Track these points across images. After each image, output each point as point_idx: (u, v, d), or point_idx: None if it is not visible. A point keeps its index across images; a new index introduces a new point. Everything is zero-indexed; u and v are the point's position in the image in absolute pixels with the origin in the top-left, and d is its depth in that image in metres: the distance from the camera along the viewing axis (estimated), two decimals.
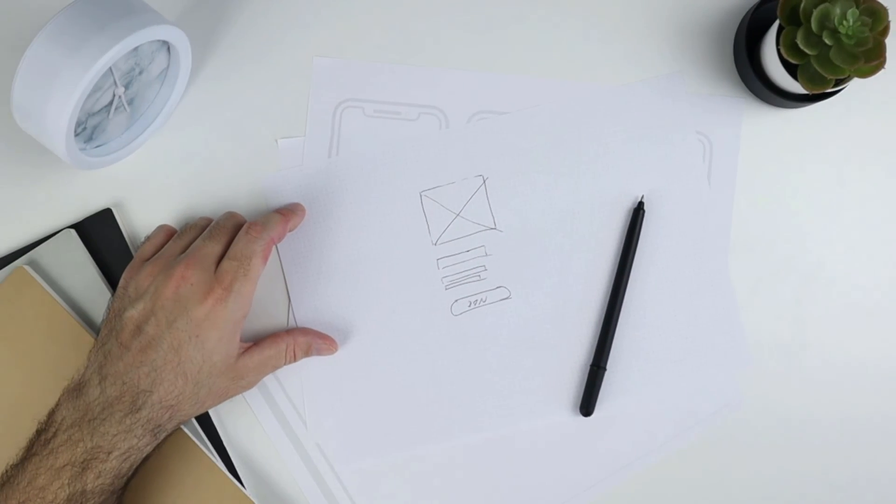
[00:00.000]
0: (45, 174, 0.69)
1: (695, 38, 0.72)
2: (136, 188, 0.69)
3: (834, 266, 0.71)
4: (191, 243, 0.65)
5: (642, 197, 0.70)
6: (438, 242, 0.70)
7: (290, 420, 0.68)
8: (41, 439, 0.59)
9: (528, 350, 0.69)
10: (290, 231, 0.67)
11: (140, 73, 0.64)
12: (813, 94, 0.67)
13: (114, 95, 0.63)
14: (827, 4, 0.62)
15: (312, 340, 0.67)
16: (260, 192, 0.69)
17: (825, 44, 0.62)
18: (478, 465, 0.69)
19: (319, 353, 0.67)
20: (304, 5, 0.71)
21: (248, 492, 0.66)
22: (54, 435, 0.59)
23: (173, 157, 0.70)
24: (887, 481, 0.70)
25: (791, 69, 0.65)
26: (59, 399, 0.60)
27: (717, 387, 0.70)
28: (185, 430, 0.66)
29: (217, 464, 0.66)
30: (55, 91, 0.57)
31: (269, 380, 0.68)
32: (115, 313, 0.62)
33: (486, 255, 0.70)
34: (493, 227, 0.70)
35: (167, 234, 0.67)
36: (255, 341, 0.65)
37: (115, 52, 0.57)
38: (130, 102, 0.66)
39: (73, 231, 0.67)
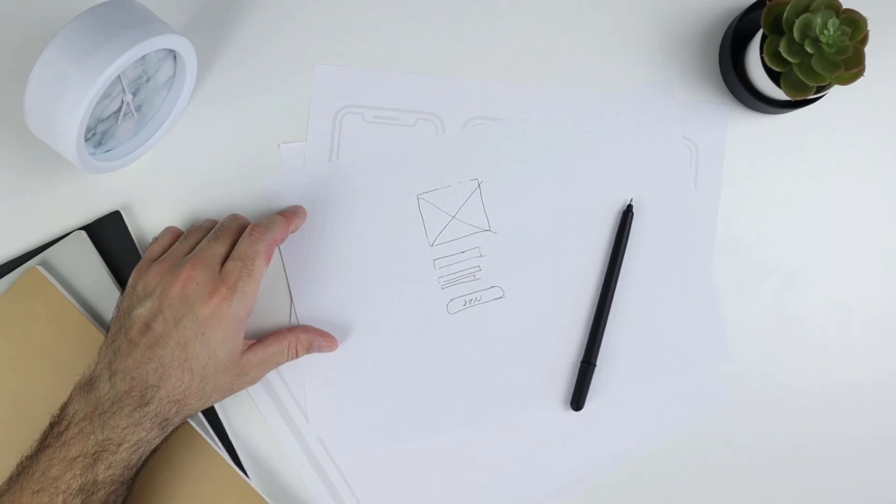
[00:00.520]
0: (56, 178, 0.69)
1: (682, 47, 0.72)
2: (143, 191, 0.70)
3: (814, 267, 0.71)
4: (196, 244, 0.65)
5: (631, 200, 0.70)
6: (435, 244, 0.70)
7: (292, 414, 0.69)
8: (54, 432, 0.60)
9: (521, 347, 0.70)
10: (292, 232, 0.67)
11: (147, 80, 0.64)
12: (795, 101, 0.68)
13: (122, 102, 0.64)
14: (809, 14, 0.62)
15: (314, 338, 0.67)
16: (263, 195, 0.70)
17: (807, 52, 0.62)
18: (472, 457, 0.69)
19: (320, 349, 0.68)
20: (306, 16, 0.71)
21: (252, 482, 0.66)
22: (66, 428, 0.59)
23: (179, 161, 0.70)
24: (866, 473, 0.71)
25: (774, 77, 0.66)
26: (71, 394, 0.61)
27: (702, 383, 0.70)
28: (192, 423, 0.66)
29: (223, 456, 0.66)
30: (66, 98, 0.58)
31: (271, 375, 0.69)
32: (124, 311, 0.63)
33: (481, 255, 0.70)
34: (488, 228, 0.71)
35: (174, 236, 0.67)
36: (259, 338, 0.66)
37: (123, 61, 0.58)
38: (138, 109, 0.66)
39: (83, 233, 0.68)
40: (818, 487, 0.71)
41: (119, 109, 0.64)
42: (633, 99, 0.71)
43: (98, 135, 0.65)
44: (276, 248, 0.68)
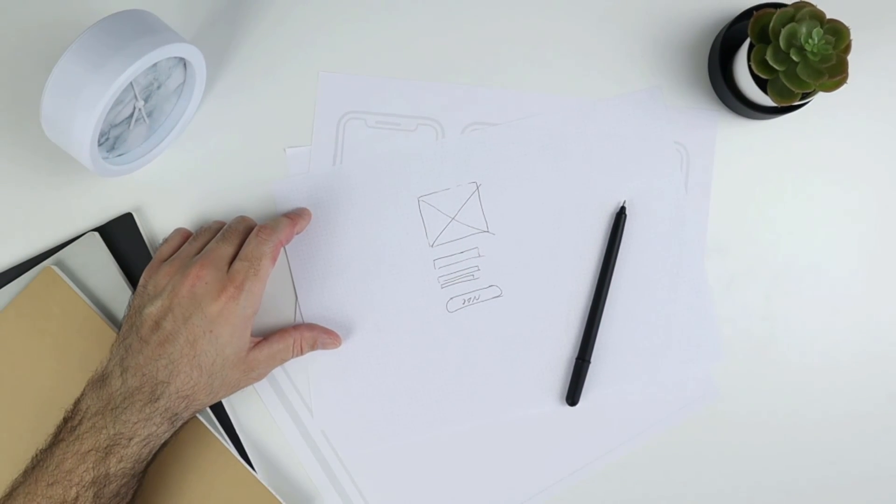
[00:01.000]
0: (70, 181, 0.70)
1: (672, 55, 0.72)
2: (154, 194, 0.70)
3: (801, 266, 0.71)
4: (205, 245, 0.65)
5: (624, 202, 0.71)
6: (435, 244, 0.71)
7: (297, 409, 0.69)
8: (68, 426, 0.60)
9: (518, 344, 0.70)
10: (297, 233, 0.68)
11: (158, 87, 0.65)
12: (781, 107, 0.68)
13: (134, 108, 0.64)
14: (794, 24, 0.62)
15: (318, 335, 0.68)
16: (269, 198, 0.70)
17: (792, 60, 0.63)
18: (471, 451, 0.69)
19: (325, 347, 0.68)
20: (311, 24, 0.72)
21: (258, 476, 0.67)
22: (80, 422, 0.60)
23: (189, 165, 0.70)
24: (854, 467, 0.71)
25: (761, 84, 0.66)
26: (84, 389, 0.61)
27: (694, 378, 0.70)
28: (201, 419, 0.66)
29: (230, 449, 0.67)
30: (80, 104, 0.58)
31: (277, 372, 0.69)
32: (135, 310, 0.63)
33: (480, 256, 0.71)
34: (486, 230, 0.71)
35: (183, 237, 0.68)
36: (265, 336, 0.66)
37: (135, 69, 0.58)
38: (150, 115, 0.67)
39: (96, 234, 0.68)
40: (808, 481, 0.71)
41: (131, 115, 0.65)
42: (625, 105, 0.72)
43: (111, 140, 0.65)
44: (282, 249, 0.68)
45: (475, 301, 0.71)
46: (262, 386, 0.69)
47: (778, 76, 0.64)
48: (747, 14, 0.69)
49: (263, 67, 0.72)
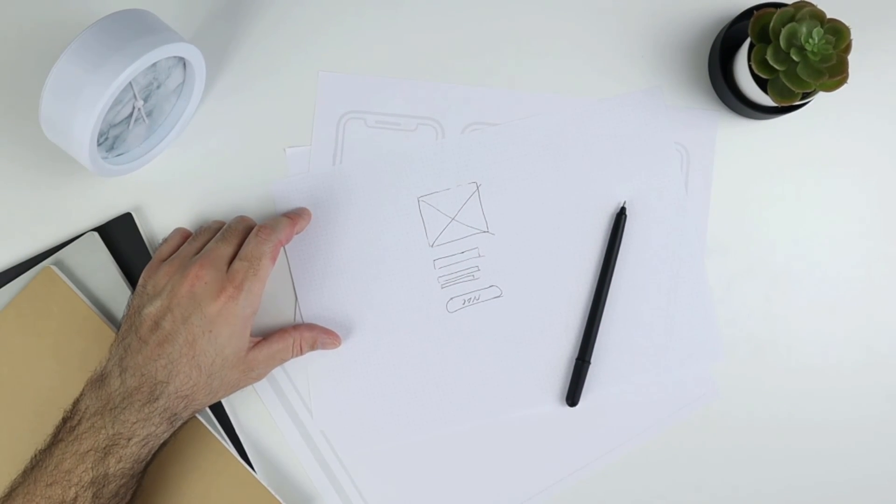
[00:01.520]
0: (70, 181, 0.70)
1: (673, 55, 0.72)
2: (154, 194, 0.70)
3: (801, 266, 0.72)
4: (205, 245, 0.65)
5: (624, 202, 0.71)
6: (435, 244, 0.71)
7: (297, 409, 0.69)
8: (67, 426, 0.60)
9: (518, 344, 0.70)
10: (297, 233, 0.68)
11: (158, 87, 0.65)
12: (782, 107, 0.68)
13: (133, 108, 0.64)
14: (794, 24, 0.63)
15: (318, 336, 0.68)
16: (269, 198, 0.70)
17: (793, 60, 0.63)
18: (471, 451, 0.70)
19: (324, 347, 0.68)
20: (311, 24, 0.72)
21: (258, 476, 0.67)
22: (79, 423, 0.60)
23: (189, 164, 0.70)
24: (855, 466, 0.71)
25: (762, 83, 0.66)
26: (83, 389, 0.61)
27: (694, 378, 0.70)
28: (201, 419, 0.66)
29: (230, 450, 0.67)
30: (79, 104, 0.58)
31: (277, 372, 0.69)
32: (134, 310, 0.63)
33: (480, 256, 0.71)
34: (486, 230, 0.71)
35: (183, 237, 0.68)
36: (265, 336, 0.66)
37: (134, 68, 0.58)
38: (149, 114, 0.67)
39: (96, 234, 0.68)
40: (808, 481, 0.71)
41: (130, 115, 0.65)
42: (626, 105, 0.72)
43: (110, 139, 0.65)
44: (282, 249, 0.68)
45: (475, 301, 0.71)
46: (262, 386, 0.69)
47: (778, 76, 0.64)
48: (747, 14, 0.69)
49: (263, 67, 0.72)
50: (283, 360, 0.67)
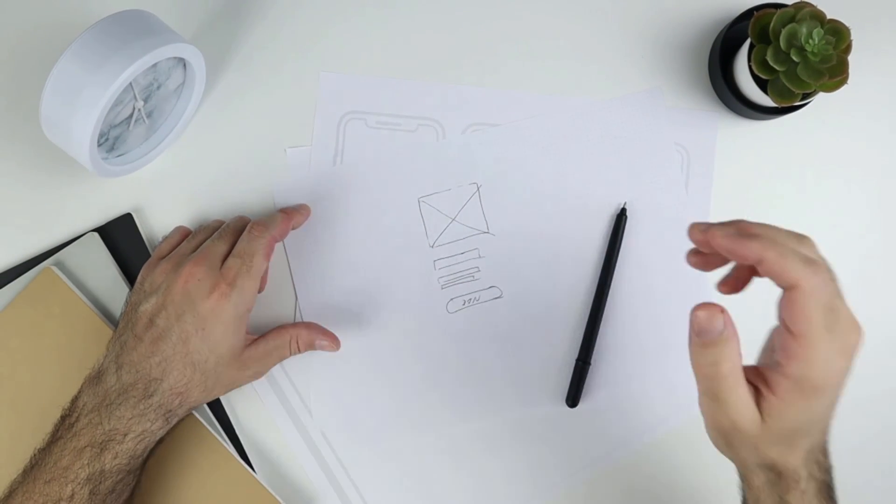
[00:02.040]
0: (70, 182, 0.70)
1: (673, 56, 0.72)
2: (154, 194, 0.70)
3: None
4: (202, 243, 0.65)
5: (625, 203, 0.71)
6: (435, 245, 0.71)
7: (297, 409, 0.69)
8: (65, 423, 0.60)
9: (519, 345, 0.70)
10: (293, 228, 0.67)
11: (158, 87, 0.65)
12: (782, 107, 0.68)
13: (134, 109, 0.64)
14: (794, 24, 0.63)
15: (315, 336, 0.67)
16: (269, 198, 0.70)
17: (793, 61, 0.63)
18: (471, 452, 0.69)
19: (322, 349, 0.68)
20: (311, 24, 0.72)
21: (258, 476, 0.67)
22: (77, 419, 0.60)
23: (189, 165, 0.70)
24: (855, 466, 0.69)
25: (762, 84, 0.66)
26: (82, 386, 0.62)
27: (694, 379, 0.69)
28: (200, 418, 0.66)
29: (229, 450, 0.67)
30: (80, 105, 0.58)
31: (277, 372, 0.69)
32: (131, 307, 0.63)
33: (480, 257, 0.71)
34: (487, 231, 0.71)
35: (182, 235, 0.68)
36: (262, 334, 0.66)
37: (134, 69, 0.58)
38: (149, 115, 0.67)
39: (96, 234, 0.68)
40: None
41: (131, 115, 0.65)
42: (626, 105, 0.72)
43: (111, 140, 0.65)
44: (283, 247, 0.68)
45: (475, 302, 0.71)
46: (262, 387, 0.70)
47: (778, 76, 0.65)
48: (748, 14, 0.70)
49: (264, 67, 0.72)
50: (280, 358, 0.67)
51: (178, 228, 0.69)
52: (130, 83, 0.62)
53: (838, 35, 0.64)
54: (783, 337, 0.48)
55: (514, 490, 0.70)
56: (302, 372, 0.70)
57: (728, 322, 0.47)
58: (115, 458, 0.59)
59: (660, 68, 0.73)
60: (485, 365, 0.70)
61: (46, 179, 0.70)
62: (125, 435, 0.60)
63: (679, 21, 0.73)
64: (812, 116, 0.72)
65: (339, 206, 0.71)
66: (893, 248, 0.73)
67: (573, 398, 0.70)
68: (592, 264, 0.71)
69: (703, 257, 0.52)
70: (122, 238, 0.69)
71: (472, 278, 0.71)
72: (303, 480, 0.69)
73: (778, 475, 0.50)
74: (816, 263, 0.47)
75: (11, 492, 0.60)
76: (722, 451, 0.52)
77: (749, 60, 0.65)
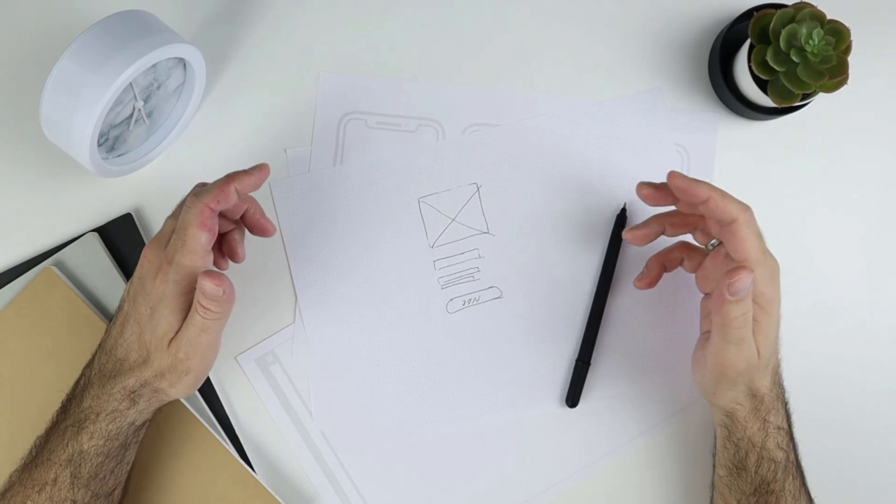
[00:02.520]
0: (70, 182, 0.70)
1: (673, 57, 0.72)
2: (154, 194, 0.70)
3: (800, 269, 0.71)
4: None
5: (625, 204, 0.71)
6: (435, 245, 0.71)
7: (297, 409, 0.69)
8: (60, 409, 0.61)
9: (518, 346, 0.70)
10: (241, 191, 0.59)
11: (158, 87, 0.65)
12: (782, 108, 0.69)
13: (134, 109, 0.64)
14: (794, 25, 0.63)
15: (203, 280, 0.57)
16: (269, 198, 0.70)
17: (793, 61, 0.63)
18: (471, 452, 0.69)
19: (213, 282, 0.57)
20: (311, 26, 0.72)
21: (258, 476, 0.67)
22: (67, 401, 0.61)
23: (189, 165, 0.70)
24: (855, 467, 0.71)
25: (762, 84, 0.67)
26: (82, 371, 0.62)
27: (693, 380, 0.68)
28: (201, 419, 0.67)
29: (230, 450, 0.67)
30: (80, 105, 0.58)
31: (277, 372, 0.69)
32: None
33: (480, 257, 0.71)
34: (486, 231, 0.71)
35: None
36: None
37: (134, 69, 0.58)
38: (149, 115, 0.67)
39: (95, 234, 0.69)
40: (808, 480, 0.70)
41: (131, 116, 0.65)
42: (626, 106, 0.72)
43: (111, 140, 0.65)
44: (282, 245, 0.68)
45: (475, 302, 0.71)
46: (262, 386, 0.70)
47: (778, 77, 0.65)
48: (748, 15, 0.70)
49: (263, 68, 0.72)
50: (209, 343, 0.60)
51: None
52: (130, 83, 0.62)
53: (838, 35, 0.64)
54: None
55: (513, 490, 0.70)
56: (302, 372, 0.70)
57: (752, 276, 0.58)
58: (91, 438, 0.59)
59: (660, 69, 0.73)
60: (485, 365, 0.70)
61: (46, 179, 0.70)
62: (98, 414, 0.59)
63: (679, 22, 0.73)
64: (812, 117, 0.72)
65: (339, 207, 0.71)
66: (894, 247, 0.73)
67: (573, 398, 0.70)
68: (593, 264, 0.71)
69: (654, 189, 0.63)
70: (121, 238, 0.69)
71: (472, 278, 0.71)
72: (302, 480, 0.69)
73: (760, 400, 0.62)
74: (746, 205, 0.60)
75: (11, 487, 0.60)
76: (721, 398, 0.63)
77: (749, 61, 0.66)
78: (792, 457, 0.63)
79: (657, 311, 0.71)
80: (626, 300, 0.71)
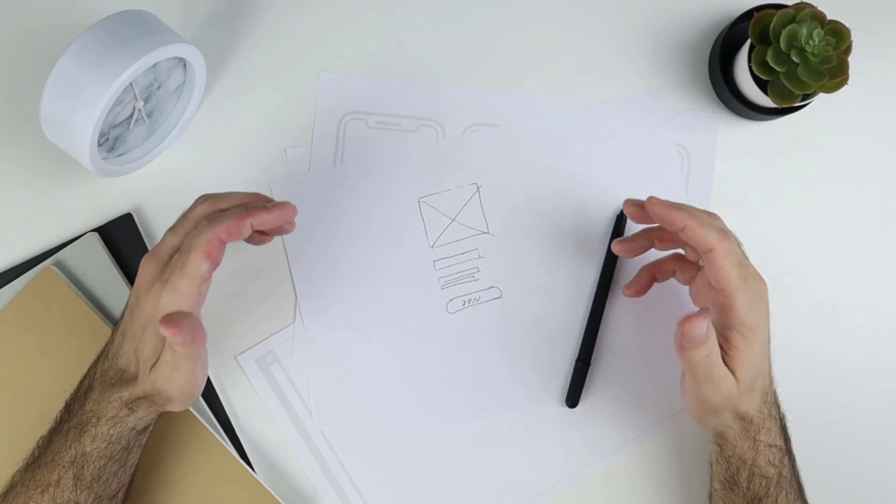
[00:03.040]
0: (70, 182, 0.70)
1: (673, 57, 0.73)
2: (154, 194, 0.70)
3: (800, 268, 0.72)
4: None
5: None
6: (435, 245, 0.71)
7: (297, 409, 0.69)
8: (65, 409, 0.61)
9: (518, 346, 0.70)
10: (260, 229, 0.59)
11: (158, 87, 0.65)
12: (782, 108, 0.69)
13: (134, 109, 0.64)
14: (795, 25, 0.63)
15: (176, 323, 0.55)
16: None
17: (793, 62, 0.63)
18: (470, 452, 0.69)
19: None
20: (311, 26, 0.72)
21: (258, 476, 0.67)
22: (71, 401, 0.61)
23: (189, 165, 0.71)
24: (855, 467, 0.71)
25: (762, 85, 0.67)
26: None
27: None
28: (201, 419, 0.67)
29: (230, 450, 0.67)
30: (80, 105, 0.58)
31: (277, 372, 0.69)
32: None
33: (480, 257, 0.71)
34: (486, 231, 0.71)
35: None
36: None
37: (135, 69, 0.58)
38: (149, 115, 0.67)
39: (96, 234, 0.69)
40: (807, 482, 0.68)
41: (131, 115, 0.65)
42: (626, 106, 0.72)
43: (111, 140, 0.66)
44: (282, 245, 0.68)
45: (475, 302, 0.71)
46: (262, 386, 0.70)
47: (778, 77, 0.65)
48: (748, 15, 0.70)
49: (264, 68, 0.72)
50: (184, 378, 0.58)
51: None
52: (131, 83, 0.62)
53: (838, 36, 0.64)
54: (714, 297, 0.60)
55: (513, 490, 0.70)
56: (302, 372, 0.70)
57: (708, 321, 0.57)
58: (93, 440, 0.59)
59: (660, 69, 0.73)
60: (485, 365, 0.70)
61: (46, 179, 0.70)
62: (99, 418, 0.59)
63: (679, 22, 0.73)
64: (812, 117, 0.72)
65: (339, 207, 0.71)
66: (894, 248, 0.73)
67: (573, 398, 0.70)
68: (593, 264, 0.71)
69: (638, 208, 0.63)
70: (121, 238, 0.69)
71: (472, 278, 0.71)
72: (302, 480, 0.69)
73: (749, 421, 0.61)
74: (726, 232, 0.59)
75: (13, 488, 0.60)
76: (707, 423, 0.63)
77: (749, 61, 0.66)
78: (786, 472, 0.62)
79: (657, 311, 0.71)
80: (627, 300, 0.71)
